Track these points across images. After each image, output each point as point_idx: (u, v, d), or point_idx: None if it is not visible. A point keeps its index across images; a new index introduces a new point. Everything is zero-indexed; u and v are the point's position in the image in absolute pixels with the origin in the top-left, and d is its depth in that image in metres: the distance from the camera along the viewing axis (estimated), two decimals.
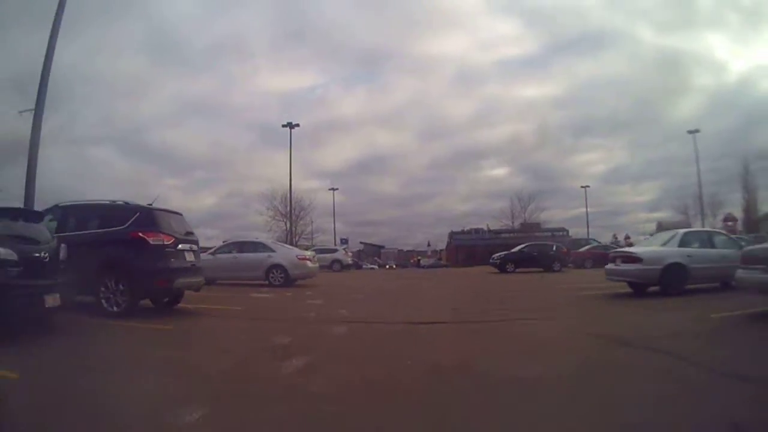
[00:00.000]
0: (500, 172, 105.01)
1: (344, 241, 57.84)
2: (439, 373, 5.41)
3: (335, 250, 36.15)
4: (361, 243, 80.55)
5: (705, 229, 22.45)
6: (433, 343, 7.44)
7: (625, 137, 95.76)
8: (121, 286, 8.74)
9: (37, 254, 6.88)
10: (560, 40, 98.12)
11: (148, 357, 6.18)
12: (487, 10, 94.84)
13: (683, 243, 12.62)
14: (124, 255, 8.90)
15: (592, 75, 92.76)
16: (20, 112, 15.41)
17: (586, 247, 34.63)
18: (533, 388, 4.76)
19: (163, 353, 6.45)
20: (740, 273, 8.94)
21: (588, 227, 65.27)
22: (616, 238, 57.05)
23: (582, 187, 66.48)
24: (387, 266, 68.92)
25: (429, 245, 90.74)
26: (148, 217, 9.42)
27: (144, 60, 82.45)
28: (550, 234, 65.31)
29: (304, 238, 53.05)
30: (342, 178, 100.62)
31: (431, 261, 72.71)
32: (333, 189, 62.26)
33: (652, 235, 26.72)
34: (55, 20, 15.64)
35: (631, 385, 4.86)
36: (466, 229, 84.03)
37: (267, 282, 17.44)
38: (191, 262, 10.17)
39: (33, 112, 14.98)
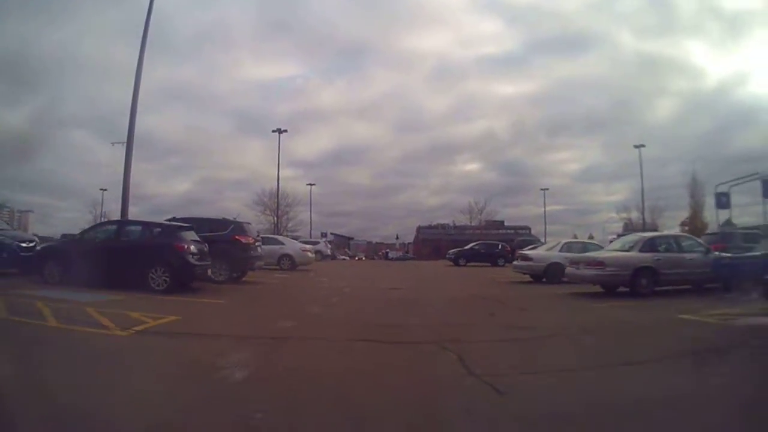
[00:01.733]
0: (473, 167, 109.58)
1: (324, 235, 64.81)
2: (392, 300, 12.99)
3: (317, 242, 42.74)
4: (331, 234, 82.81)
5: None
6: (392, 294, 15.07)
7: (600, 137, 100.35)
8: (224, 266, 15.57)
9: (203, 247, 13.76)
10: (540, 40, 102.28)
11: (263, 296, 13.44)
12: (471, 7, 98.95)
13: (568, 250, 18.88)
14: (229, 248, 15.74)
15: (570, 75, 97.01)
16: (113, 143, 21.68)
17: (529, 247, 41.93)
18: (432, 305, 12.15)
19: (267, 295, 13.74)
20: (568, 269, 15.48)
21: (545, 227, 69.20)
22: (576, 236, 62.36)
23: (542, 189, 70.47)
24: (356, 257, 74.77)
25: (397, 238, 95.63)
26: (238, 226, 16.52)
27: (127, 45, 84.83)
28: (513, 231, 70.99)
29: (287, 232, 58.09)
30: (315, 168, 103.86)
31: (399, 254, 78.02)
32: (310, 184, 67.99)
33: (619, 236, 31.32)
34: (140, 53, 20.69)
35: (465, 307, 12.13)
36: (433, 224, 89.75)
37: (279, 267, 24.24)
38: (259, 253, 17.32)
39: (125, 144, 21.29)
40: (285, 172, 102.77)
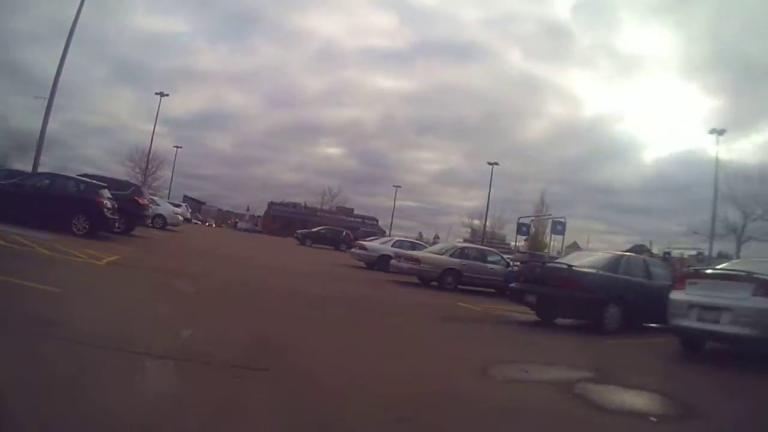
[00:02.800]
0: (335, 151, 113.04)
1: (185, 198, 65.63)
2: (230, 259, 16.87)
3: (180, 206, 44.53)
4: (184, 196, 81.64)
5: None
6: (237, 256, 19.39)
7: (465, 144, 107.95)
8: (123, 220, 18.19)
9: (114, 204, 16.56)
10: (430, 42, 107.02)
11: (160, 246, 16.80)
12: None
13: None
14: (129, 206, 18.37)
15: (450, 81, 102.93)
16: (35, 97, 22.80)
17: (369, 239, 47.49)
18: (289, 269, 16.21)
19: (163, 246, 17.17)
20: (392, 262, 19.45)
21: (392, 221, 71.27)
22: (421, 235, 68.35)
23: (394, 186, 71.72)
24: (207, 224, 75.83)
25: (248, 210, 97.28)
26: (137, 189, 19.60)
27: None
28: (360, 221, 75.32)
29: (151, 191, 58.15)
30: (182, 127, 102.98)
31: (248, 225, 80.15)
32: (177, 147, 67.03)
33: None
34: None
35: (309, 275, 16.41)
36: (285, 201, 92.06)
37: (151, 225, 26.35)
38: (150, 212, 20.42)
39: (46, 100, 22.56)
40: (151, 127, 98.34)
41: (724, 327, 7.42)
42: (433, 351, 7.23)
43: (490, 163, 53.24)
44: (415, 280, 17.77)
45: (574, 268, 10.58)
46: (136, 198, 18.80)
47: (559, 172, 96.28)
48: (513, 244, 55.06)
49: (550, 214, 49.42)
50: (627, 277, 10.77)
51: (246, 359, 5.18)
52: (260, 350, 5.76)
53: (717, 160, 32.12)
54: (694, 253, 37.97)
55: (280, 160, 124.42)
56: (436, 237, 63.58)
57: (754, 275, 7.53)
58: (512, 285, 12.15)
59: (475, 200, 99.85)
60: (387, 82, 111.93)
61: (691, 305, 7.89)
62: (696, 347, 8.57)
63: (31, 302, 5.97)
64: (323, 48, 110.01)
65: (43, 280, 7.17)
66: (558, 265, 11.68)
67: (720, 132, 33.79)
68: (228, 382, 4.44)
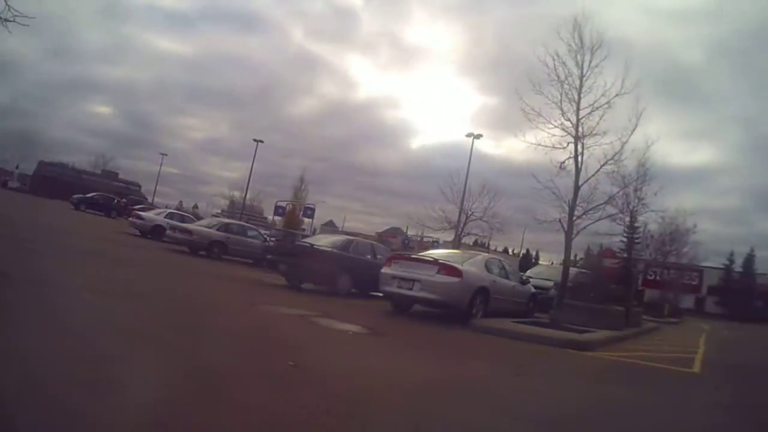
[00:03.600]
0: (103, 110, 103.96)
1: None
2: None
3: None
4: None
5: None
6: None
7: (234, 115, 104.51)
8: None
9: None
10: (215, 8, 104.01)
11: None
12: None
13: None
14: None
15: (229, 50, 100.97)
16: None
17: (140, 206, 46.06)
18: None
19: None
20: (168, 232, 20.93)
21: (155, 188, 70.56)
22: (182, 203, 66.74)
23: (161, 154, 70.84)
24: None
25: (17, 168, 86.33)
26: None
27: None
28: (125, 186, 71.35)
29: None
30: None
31: (18, 185, 72.08)
32: None
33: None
34: None
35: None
36: (56, 162, 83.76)
37: None
38: None
39: None
40: None
41: (416, 292, 10.28)
42: (217, 296, 10.15)
43: (255, 140, 51.89)
44: (185, 249, 19.17)
45: (315, 246, 13.16)
46: None
47: (324, 150, 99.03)
48: (270, 218, 56.51)
49: (307, 201, 51.98)
50: (356, 255, 13.53)
51: None
52: None
53: (469, 160, 34.24)
54: (432, 240, 42.57)
55: (46, 114, 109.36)
56: (195, 207, 62.37)
57: (439, 261, 10.57)
58: (268, 256, 14.54)
59: (236, 172, 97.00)
60: (166, 44, 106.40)
61: (394, 277, 10.62)
62: (403, 308, 11.25)
63: None
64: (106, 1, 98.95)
65: None
66: (304, 243, 14.25)
67: (477, 136, 36.69)
68: None
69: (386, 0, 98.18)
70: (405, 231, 55.14)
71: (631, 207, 15.56)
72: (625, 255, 27.38)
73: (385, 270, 10.93)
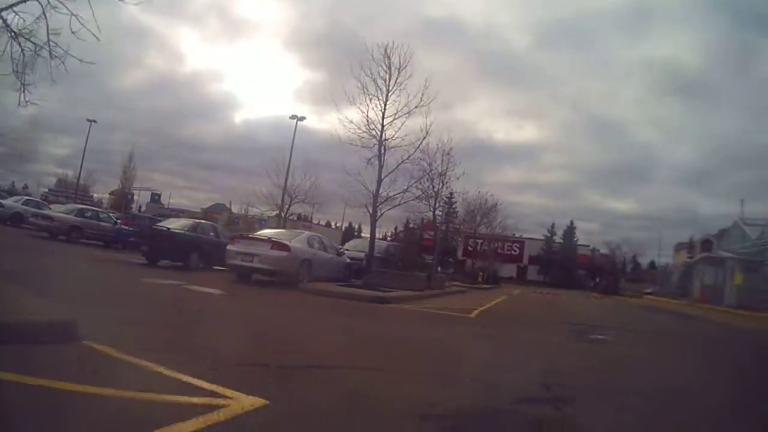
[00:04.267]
0: None
1: None
2: None
3: None
4: None
5: None
6: None
7: (62, 89, 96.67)
8: None
9: None
10: None
11: None
12: None
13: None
14: None
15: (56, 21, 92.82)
16: None
17: None
18: None
19: None
20: (31, 220, 21.93)
21: None
22: (14, 184, 62.14)
23: None
24: None
25: None
26: None
27: None
28: None
29: None
30: None
31: None
32: None
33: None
34: None
35: None
36: None
37: None
38: None
39: None
40: None
41: (255, 264, 13.20)
42: (107, 274, 12.71)
43: (89, 120, 48.77)
44: (45, 234, 20.37)
45: (171, 229, 15.77)
46: None
47: (151, 125, 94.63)
48: (95, 196, 56.54)
49: (149, 188, 52.53)
50: (202, 236, 16.41)
51: None
52: None
53: (292, 144, 35.27)
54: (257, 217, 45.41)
55: None
56: (25, 186, 58.86)
57: (272, 238, 13.85)
58: (131, 239, 17.65)
59: (66, 148, 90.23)
60: None
61: (238, 252, 13.51)
62: (245, 278, 13.99)
63: None
64: None
65: None
66: (162, 228, 16.47)
67: (300, 118, 37.66)
68: None
69: None
70: (229, 207, 57.21)
71: (435, 190, 20.00)
72: (444, 227, 32.04)
73: (230, 247, 13.82)
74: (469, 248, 47.46)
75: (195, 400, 3.31)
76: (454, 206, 40.42)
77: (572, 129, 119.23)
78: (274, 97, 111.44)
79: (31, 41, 8.13)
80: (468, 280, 35.28)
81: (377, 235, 22.62)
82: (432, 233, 30.87)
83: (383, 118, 16.02)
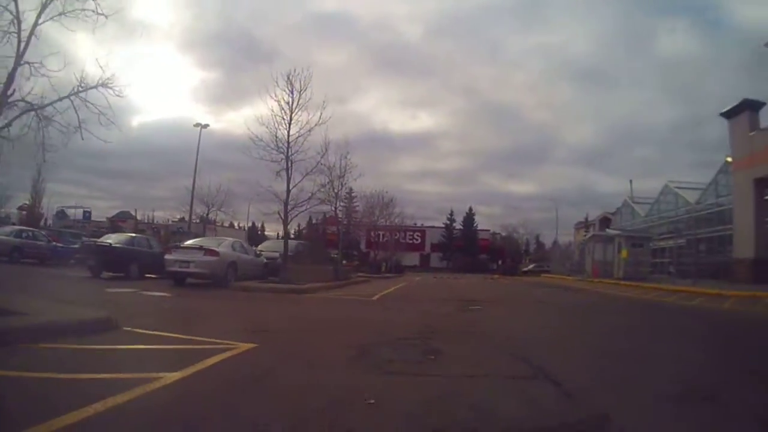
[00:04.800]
0: None
1: None
2: None
3: None
4: None
5: None
6: None
7: None
8: None
9: None
10: None
11: None
12: None
13: None
14: None
15: None
16: None
17: None
18: None
19: None
20: None
21: None
22: None
23: None
24: None
25: None
26: None
27: None
28: None
29: None
30: None
31: None
32: None
33: None
34: None
35: None
36: None
37: None
38: None
39: None
40: None
41: (191, 269, 16.12)
42: (65, 289, 13.46)
43: None
44: None
45: (112, 245, 18.33)
46: None
47: (48, 136, 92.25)
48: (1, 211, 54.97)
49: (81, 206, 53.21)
50: (139, 248, 19.17)
51: None
52: None
53: (198, 151, 36.66)
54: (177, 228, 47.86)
55: None
56: None
57: (203, 247, 16.82)
58: (77, 256, 20.00)
59: None
60: None
61: (176, 260, 16.39)
62: (181, 282, 16.72)
63: None
64: None
65: None
66: (104, 243, 18.81)
67: (204, 126, 38.93)
68: None
69: None
70: (134, 215, 58.28)
71: (336, 191, 24.15)
72: (345, 221, 35.88)
73: (167, 257, 16.81)
74: (372, 240, 51.46)
75: (217, 346, 5.88)
76: (354, 201, 44.19)
77: (467, 115, 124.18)
78: (171, 100, 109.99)
79: None
80: (372, 270, 39.17)
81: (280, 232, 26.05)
82: (335, 228, 34.01)
83: (288, 136, 18.57)
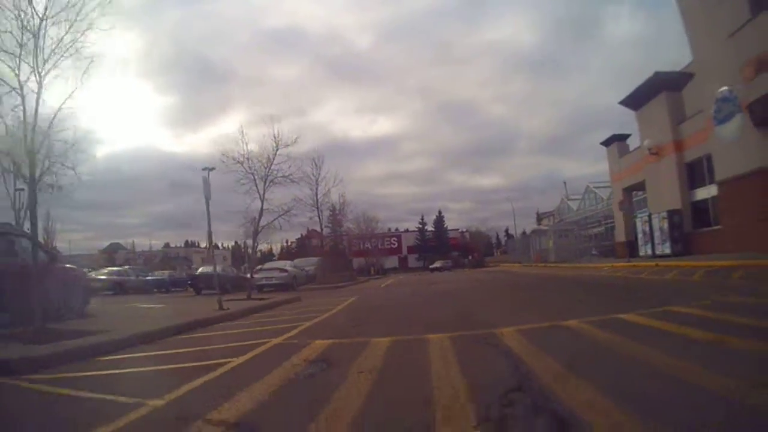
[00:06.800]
0: None
1: None
2: None
3: None
4: None
5: None
6: None
7: None
8: None
9: None
10: None
11: None
12: None
13: None
14: None
15: None
16: None
17: None
18: None
19: None
20: None
21: None
22: None
23: None
24: None
25: None
26: None
27: None
28: None
29: None
30: None
31: None
32: None
33: None
34: None
35: None
36: None
37: None
38: None
39: None
40: None
41: (274, 281, 26.02)
42: (191, 306, 23.36)
43: None
44: None
45: (209, 272, 27.30)
46: None
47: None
48: None
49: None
50: (225, 273, 29.92)
51: None
52: None
53: (208, 197, 42.29)
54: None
55: None
56: None
57: (278, 267, 27.63)
58: (189, 282, 29.23)
59: None
60: None
61: (262, 277, 26.17)
62: (260, 290, 26.15)
63: None
64: None
65: None
66: (205, 272, 27.89)
67: (210, 169, 45.46)
68: None
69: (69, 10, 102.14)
70: (132, 245, 63.25)
71: (318, 204, 34.73)
72: (332, 235, 45.15)
73: (256, 275, 25.79)
74: (359, 250, 59.62)
75: (342, 299, 15.92)
76: (339, 213, 49.44)
77: (425, 116, 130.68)
78: (133, 127, 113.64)
79: None
80: (364, 273, 49.33)
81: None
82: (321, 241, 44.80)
83: (268, 172, 21.09)
